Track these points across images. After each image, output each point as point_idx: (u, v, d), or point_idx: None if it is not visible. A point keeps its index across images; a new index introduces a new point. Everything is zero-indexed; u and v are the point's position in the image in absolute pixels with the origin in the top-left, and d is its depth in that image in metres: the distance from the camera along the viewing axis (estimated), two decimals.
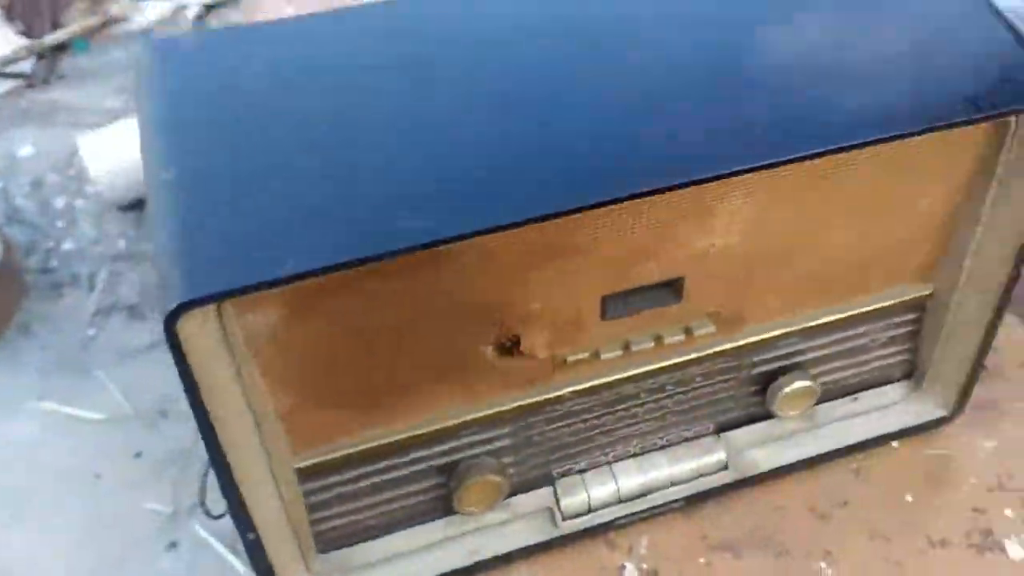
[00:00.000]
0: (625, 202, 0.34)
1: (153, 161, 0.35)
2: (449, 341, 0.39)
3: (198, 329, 0.31)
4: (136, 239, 1.01)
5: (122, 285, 0.98)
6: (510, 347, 0.40)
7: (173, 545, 0.84)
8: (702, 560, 0.50)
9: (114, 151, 1.02)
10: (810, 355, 0.48)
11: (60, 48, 1.33)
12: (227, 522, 0.89)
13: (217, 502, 0.58)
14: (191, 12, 1.26)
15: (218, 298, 0.30)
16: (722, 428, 0.50)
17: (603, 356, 0.42)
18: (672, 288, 0.41)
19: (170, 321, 0.30)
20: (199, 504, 0.55)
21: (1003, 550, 0.50)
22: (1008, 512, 0.51)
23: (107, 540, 0.78)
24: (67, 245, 1.01)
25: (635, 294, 0.40)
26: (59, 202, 1.11)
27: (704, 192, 0.36)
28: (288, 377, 0.37)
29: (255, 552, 0.39)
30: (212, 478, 0.57)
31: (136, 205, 1.02)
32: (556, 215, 0.33)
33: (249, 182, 0.34)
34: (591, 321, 0.41)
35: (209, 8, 1.29)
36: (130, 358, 0.92)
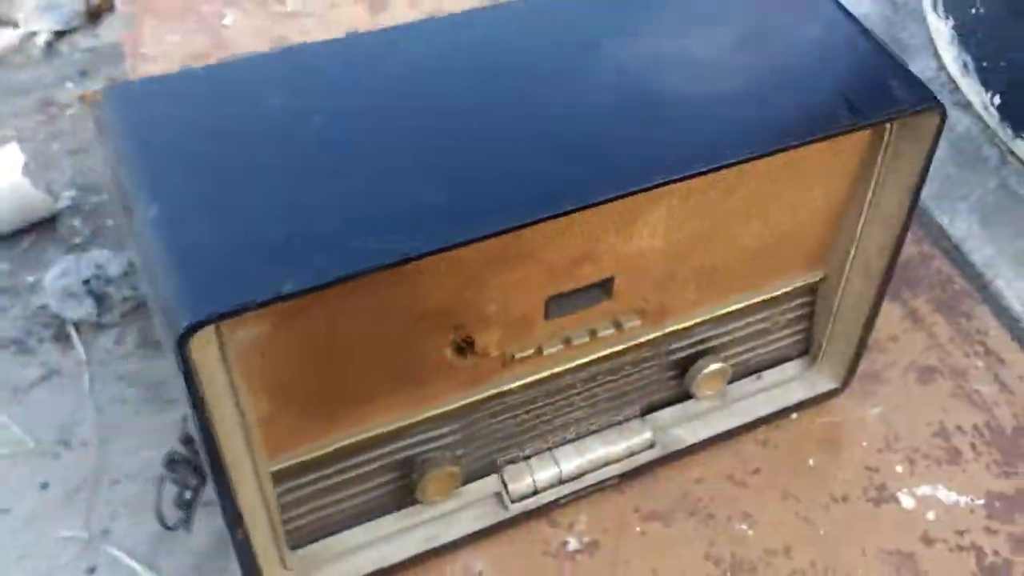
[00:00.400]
0: (563, 216, 0.39)
1: (134, 198, 0.38)
2: (412, 345, 0.44)
3: (202, 348, 0.35)
4: (12, 273, 1.00)
5: (3, 320, 0.97)
6: (465, 348, 0.46)
7: (92, 570, 0.86)
8: (637, 529, 0.57)
9: None
10: (721, 340, 0.55)
11: None
12: (141, 541, 0.91)
13: (170, 514, 0.61)
14: (41, 39, 1.25)
15: (223, 318, 0.34)
16: (647, 411, 0.57)
17: (546, 351, 0.48)
18: (604, 287, 0.47)
19: (181, 342, 0.34)
20: (156, 514, 0.58)
21: (896, 501, 0.59)
22: (898, 468, 0.61)
23: (27, 571, 0.79)
24: None
25: (573, 294, 0.47)
26: None
27: (628, 203, 0.43)
28: (267, 386, 0.41)
29: (244, 550, 0.43)
30: (166, 489, 0.59)
31: (9, 237, 1.01)
32: (506, 230, 0.39)
33: (229, 212, 0.38)
34: (536, 321, 0.47)
35: (59, 34, 1.28)
36: (23, 393, 0.92)
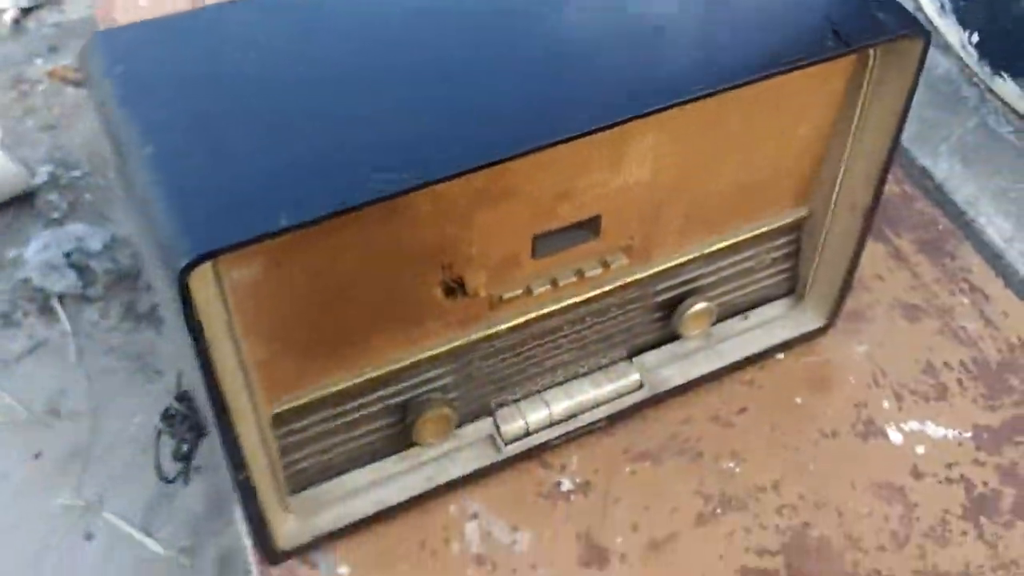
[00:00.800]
0: (547, 149, 0.41)
1: (128, 143, 0.40)
2: (403, 285, 0.46)
3: (201, 285, 0.37)
4: None
5: None
6: (455, 288, 0.48)
7: (89, 536, 0.88)
8: (627, 469, 0.59)
9: None
10: (707, 279, 0.58)
11: None
12: (137, 506, 0.93)
13: (169, 467, 0.63)
14: (8, 15, 1.26)
15: (222, 252, 0.36)
16: (634, 353, 0.59)
17: (534, 291, 0.51)
18: (591, 225, 0.50)
19: (181, 277, 0.36)
20: (155, 468, 0.60)
21: (885, 435, 0.62)
22: (885, 404, 0.63)
23: (25, 541, 0.81)
24: None
25: (560, 233, 0.49)
26: None
27: (615, 136, 0.45)
28: (264, 329, 0.43)
29: (246, 491, 0.45)
30: (162, 445, 0.61)
31: None
32: (490, 164, 0.41)
33: (223, 151, 0.40)
34: (524, 260, 0.49)
35: (26, 11, 1.29)
36: (13, 363, 0.94)
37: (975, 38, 0.74)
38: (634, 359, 0.59)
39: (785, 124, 0.51)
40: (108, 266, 0.96)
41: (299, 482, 0.52)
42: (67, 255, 0.93)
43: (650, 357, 0.60)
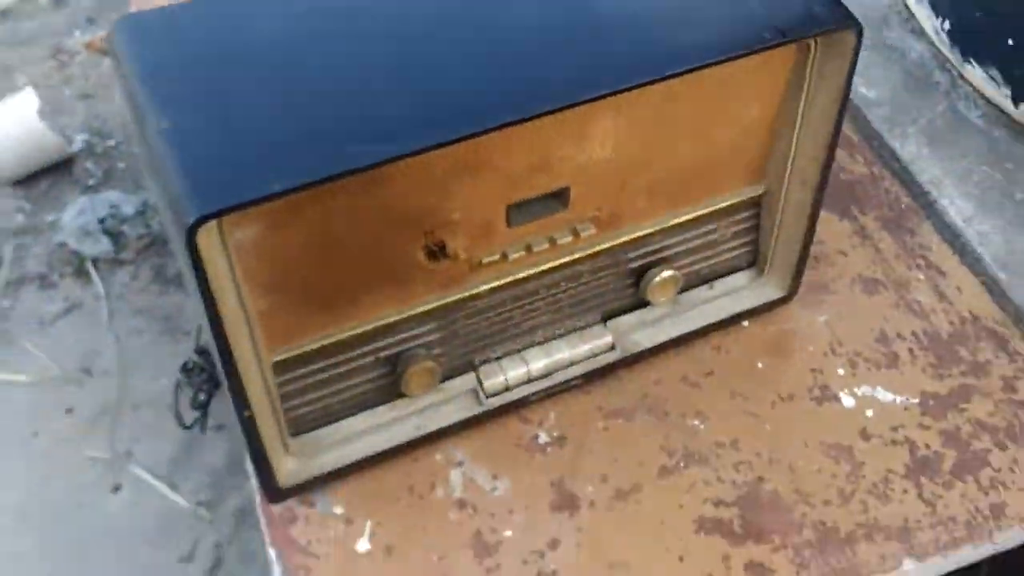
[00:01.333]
0: (518, 124, 0.46)
1: (147, 117, 0.46)
2: (389, 247, 0.51)
3: (207, 241, 0.43)
4: (33, 212, 1.08)
5: (28, 258, 1.06)
6: (437, 251, 0.53)
7: (117, 488, 0.95)
8: (600, 425, 0.64)
9: (2, 129, 1.08)
10: (673, 250, 0.63)
11: None
12: (161, 461, 1.00)
13: (187, 414, 0.69)
14: None
15: (225, 212, 0.41)
16: (607, 318, 0.64)
17: (510, 257, 0.56)
18: (560, 197, 0.55)
19: (190, 234, 0.41)
20: (173, 413, 0.66)
21: (838, 400, 0.66)
22: (840, 371, 0.68)
23: (54, 490, 0.88)
24: None
25: (532, 203, 0.54)
26: None
27: (578, 114, 0.50)
28: (264, 283, 0.49)
29: (250, 428, 0.51)
30: (182, 393, 0.67)
31: (28, 180, 1.09)
32: (463, 137, 0.46)
33: (229, 124, 0.45)
34: (499, 227, 0.54)
35: None
36: (48, 324, 1.01)
37: (947, 25, 0.77)
38: (608, 323, 0.64)
39: (736, 108, 0.56)
40: (140, 231, 1.02)
41: (299, 426, 0.57)
42: (101, 221, 1.00)
43: (622, 321, 0.64)
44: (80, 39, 1.26)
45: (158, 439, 0.98)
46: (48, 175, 1.11)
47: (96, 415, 0.96)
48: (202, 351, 0.67)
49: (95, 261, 1.08)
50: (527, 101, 0.47)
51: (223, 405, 0.83)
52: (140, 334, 1.03)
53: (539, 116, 0.47)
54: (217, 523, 0.87)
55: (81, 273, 1.06)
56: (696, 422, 0.65)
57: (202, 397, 0.66)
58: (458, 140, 0.45)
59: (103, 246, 1.03)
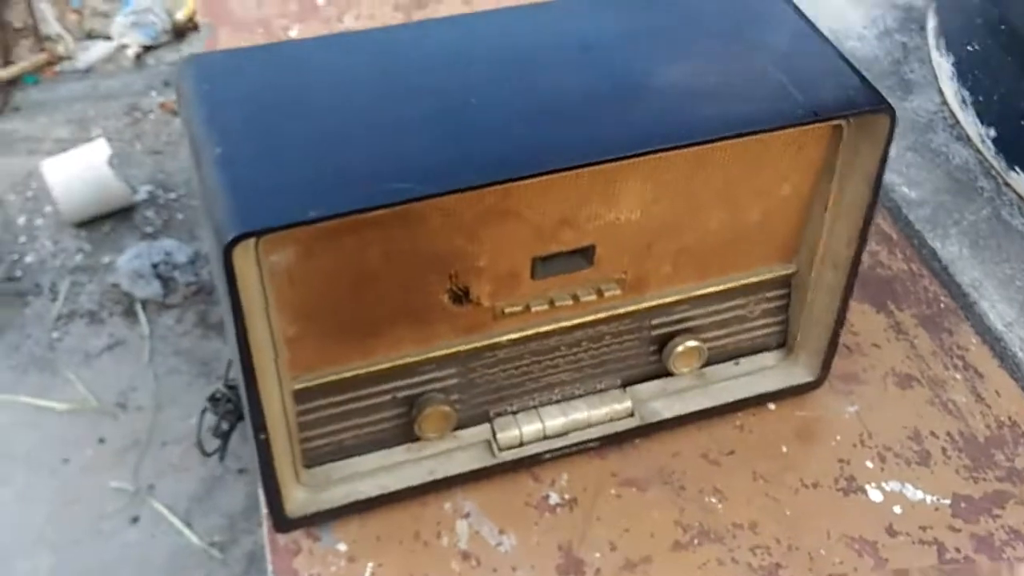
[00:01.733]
0: (546, 176, 0.49)
1: (203, 146, 0.50)
2: (416, 287, 0.54)
3: (243, 260, 0.46)
4: (92, 253, 1.15)
5: (81, 295, 1.12)
6: (461, 295, 0.55)
7: (135, 520, 0.98)
8: (613, 492, 0.65)
9: (74, 174, 1.16)
10: (698, 321, 0.64)
11: (11, 83, 1.49)
12: (182, 499, 1.02)
13: (211, 442, 0.71)
14: (132, 51, 1.43)
15: (263, 232, 0.44)
16: (628, 383, 0.65)
17: (533, 309, 0.58)
18: (586, 254, 0.57)
19: (227, 251, 0.44)
20: (196, 442, 0.68)
21: (864, 493, 0.66)
22: (869, 464, 0.67)
23: (77, 517, 0.91)
24: (29, 258, 1.14)
25: (557, 257, 0.56)
26: (20, 220, 1.25)
27: (608, 173, 0.52)
28: (293, 308, 0.51)
29: (264, 452, 0.53)
30: (204, 423, 0.70)
31: (91, 223, 1.16)
32: (500, 182, 0.49)
33: (276, 156, 0.49)
34: (524, 278, 0.56)
35: (148, 48, 1.46)
36: (92, 358, 1.06)
37: (992, 133, 0.79)
38: (628, 388, 0.65)
39: (767, 184, 0.58)
40: (190, 279, 1.07)
41: (313, 458, 0.59)
42: (155, 265, 1.05)
43: (643, 388, 0.65)
44: (156, 99, 1.35)
45: (181, 476, 1.01)
46: (111, 220, 1.18)
47: (126, 448, 1.00)
48: (231, 385, 0.70)
49: (144, 303, 1.14)
50: (557, 155, 0.50)
51: (248, 449, 0.86)
52: (177, 374, 1.07)
53: (567, 170, 0.50)
54: (228, 564, 0.88)
55: (129, 313, 1.11)
56: (714, 500, 0.65)
57: (224, 426, 0.68)
58: (487, 185, 0.48)
59: (153, 289, 1.08)
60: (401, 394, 0.59)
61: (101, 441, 0.98)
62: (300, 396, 0.55)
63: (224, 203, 0.47)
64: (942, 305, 0.76)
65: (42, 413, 1.01)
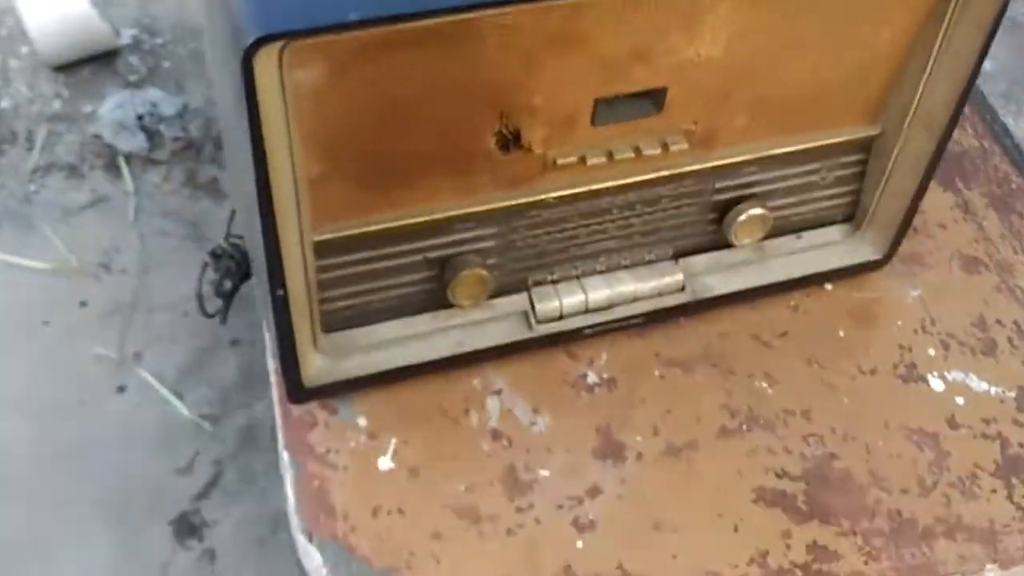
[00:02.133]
0: None
1: None
2: (459, 127, 0.46)
3: (265, 72, 0.38)
4: (71, 99, 1.04)
5: (59, 145, 1.02)
6: (510, 139, 0.48)
7: (121, 389, 0.91)
8: (656, 373, 0.59)
9: (52, 10, 1.04)
10: (766, 186, 0.57)
11: None
12: (170, 368, 0.96)
13: (210, 301, 0.64)
14: None
15: (291, 36, 0.36)
16: (680, 254, 0.58)
17: (588, 162, 0.50)
18: (655, 98, 0.49)
19: (248, 56, 0.36)
20: (196, 298, 0.61)
21: (925, 382, 0.60)
22: (931, 351, 0.62)
23: (58, 384, 0.84)
24: (3, 103, 1.03)
25: (622, 101, 0.48)
26: None
27: None
28: (319, 142, 0.43)
29: (281, 310, 0.46)
30: (205, 279, 0.62)
31: (70, 66, 1.05)
32: None
33: None
34: (582, 124, 0.49)
35: None
36: (72, 215, 0.97)
37: None
38: (679, 260, 0.58)
39: (866, 30, 0.50)
40: (177, 133, 0.98)
41: (333, 322, 0.52)
42: (139, 117, 0.95)
43: (696, 261, 0.59)
44: None
45: (170, 345, 0.93)
46: (91, 64, 1.07)
47: (110, 312, 0.91)
48: (234, 242, 0.62)
49: (127, 157, 1.04)
50: None
51: (241, 319, 0.79)
52: (165, 236, 0.99)
53: None
54: (220, 439, 0.82)
55: (111, 167, 1.01)
56: (764, 384, 0.59)
57: (228, 285, 0.61)
58: None
59: (138, 142, 0.98)
60: (432, 254, 0.52)
61: (83, 304, 0.90)
62: (321, 250, 0.48)
63: (244, 2, 0.38)
64: (1013, 185, 0.70)
65: (18, 271, 0.92)
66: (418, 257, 0.52)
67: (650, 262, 0.58)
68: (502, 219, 0.52)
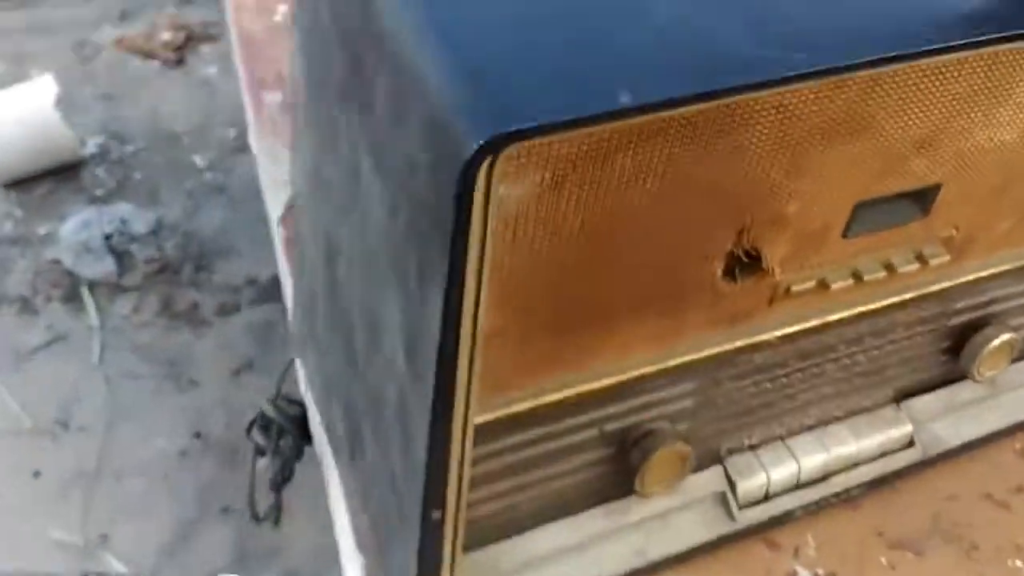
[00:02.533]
0: (946, 55, 0.29)
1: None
2: (685, 248, 0.32)
3: (482, 183, 0.23)
4: (24, 221, 0.87)
5: (11, 273, 0.84)
6: (744, 263, 0.34)
7: None
8: (883, 560, 0.45)
9: (10, 116, 0.88)
10: (1004, 304, 0.44)
11: None
12: (147, 551, 0.76)
13: (262, 500, 0.48)
14: None
15: (540, 133, 0.22)
16: (899, 396, 0.45)
17: (832, 286, 0.37)
18: (923, 199, 0.36)
19: (467, 169, 0.22)
20: (248, 502, 0.44)
21: None
22: None
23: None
24: None
25: (884, 204, 0.35)
26: None
27: (1004, 63, 0.32)
28: (507, 285, 0.29)
29: (431, 536, 0.30)
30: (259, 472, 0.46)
31: (27, 181, 0.89)
32: (882, 61, 0.28)
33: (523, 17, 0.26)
34: (833, 236, 0.35)
35: None
36: (23, 360, 0.79)
37: None
38: (901, 404, 0.45)
39: None
40: (151, 253, 0.81)
41: (476, 535, 0.36)
42: (107, 237, 0.79)
43: (922, 404, 0.45)
44: (110, 34, 1.07)
45: (144, 521, 0.75)
46: (49, 179, 0.91)
47: (69, 482, 0.72)
48: (283, 403, 0.46)
49: (91, 285, 0.87)
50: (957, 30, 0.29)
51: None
52: (136, 379, 0.82)
53: (980, 45, 0.29)
54: None
55: (72, 298, 0.84)
56: (1019, 562, 0.46)
57: (282, 474, 0.44)
58: (875, 64, 0.27)
59: (105, 266, 0.82)
60: (611, 426, 0.37)
61: (36, 475, 0.71)
62: (482, 435, 0.33)
63: (454, 89, 0.24)
64: None
65: None
66: (593, 432, 0.37)
67: (867, 409, 0.44)
68: (705, 371, 0.38)
